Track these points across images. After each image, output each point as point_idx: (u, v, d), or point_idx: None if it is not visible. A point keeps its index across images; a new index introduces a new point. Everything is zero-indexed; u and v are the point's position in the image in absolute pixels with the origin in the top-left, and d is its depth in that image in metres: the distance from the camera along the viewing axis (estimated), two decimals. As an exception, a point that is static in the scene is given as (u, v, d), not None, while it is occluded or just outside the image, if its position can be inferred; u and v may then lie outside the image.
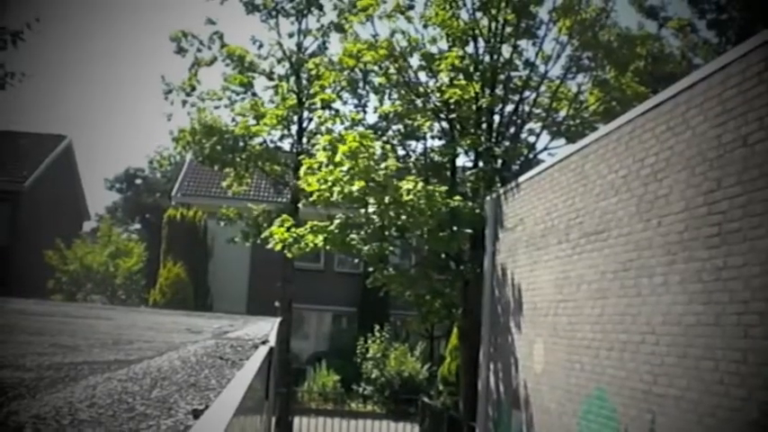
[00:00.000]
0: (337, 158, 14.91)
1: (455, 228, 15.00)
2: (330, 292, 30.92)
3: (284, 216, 17.58)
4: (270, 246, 16.91)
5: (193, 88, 21.54)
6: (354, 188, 14.68)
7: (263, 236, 18.01)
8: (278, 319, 11.82)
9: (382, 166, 14.93)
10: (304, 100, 21.11)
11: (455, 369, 20.21)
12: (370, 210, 14.99)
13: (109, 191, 61.60)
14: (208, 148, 20.67)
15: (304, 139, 21.48)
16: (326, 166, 15.36)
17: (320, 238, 15.43)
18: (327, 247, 16.40)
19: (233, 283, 30.04)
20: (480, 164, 17.01)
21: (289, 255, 17.11)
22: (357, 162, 14.60)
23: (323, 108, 20.51)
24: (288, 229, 16.25)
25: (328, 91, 20.43)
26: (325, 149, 15.75)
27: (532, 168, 13.54)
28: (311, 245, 15.71)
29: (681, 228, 7.42)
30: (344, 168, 14.71)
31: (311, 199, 15.96)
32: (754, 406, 6.07)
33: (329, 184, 15.07)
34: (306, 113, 21.48)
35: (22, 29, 17.43)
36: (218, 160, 21.14)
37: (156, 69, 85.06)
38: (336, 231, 15.37)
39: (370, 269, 16.88)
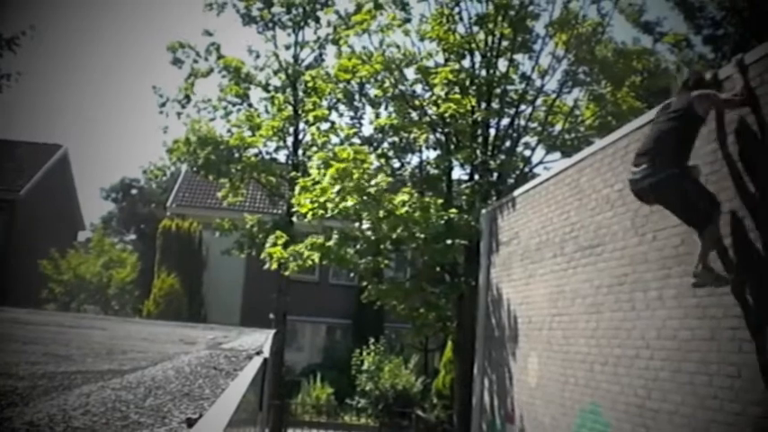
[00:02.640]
0: (326, 181, 14.90)
1: (450, 240, 15.00)
2: (325, 304, 30.86)
3: (278, 233, 17.59)
4: (267, 266, 16.92)
5: (189, 99, 21.58)
6: (348, 204, 14.69)
7: (261, 256, 17.91)
8: (272, 331, 11.78)
9: (373, 183, 14.91)
10: (300, 112, 21.12)
11: (449, 382, 20.19)
12: (365, 226, 14.98)
13: (104, 200, 61.57)
14: (202, 159, 20.66)
15: (299, 151, 21.47)
16: (319, 183, 15.33)
17: (317, 254, 15.43)
18: (324, 262, 16.41)
19: (227, 294, 29.96)
20: (476, 177, 17.03)
21: (285, 273, 17.12)
22: (351, 179, 14.60)
23: (317, 122, 20.49)
24: (285, 246, 16.23)
25: (324, 103, 20.43)
26: (318, 168, 15.78)
27: (528, 182, 13.56)
28: (309, 262, 15.72)
29: (676, 242, 7.42)
30: (335, 190, 14.70)
31: (306, 220, 15.93)
32: (748, 421, 6.07)
33: (322, 201, 15.05)
34: (301, 125, 21.50)
35: (18, 35, 17.52)
36: (213, 170, 21.13)
37: (153, 79, 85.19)
38: (334, 248, 15.35)
39: (365, 283, 16.88)
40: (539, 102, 18.28)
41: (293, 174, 19.58)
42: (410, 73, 17.89)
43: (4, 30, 17.74)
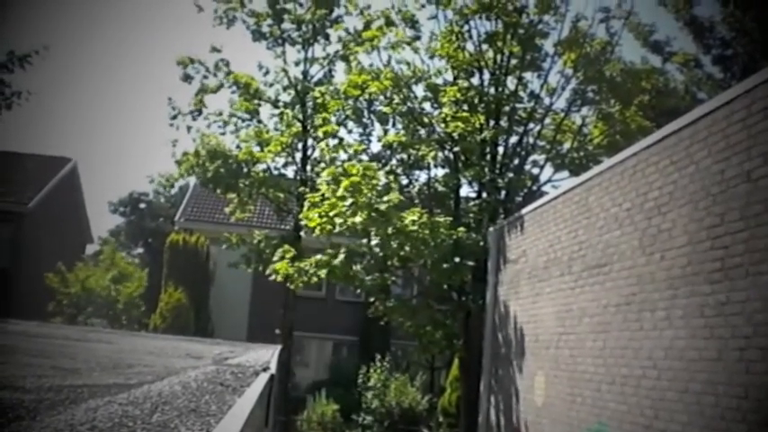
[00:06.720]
0: (339, 194, 14.85)
1: (458, 259, 14.95)
2: (331, 320, 30.78)
3: (285, 247, 17.50)
4: (273, 278, 16.84)
5: (200, 112, 21.61)
6: (357, 220, 14.64)
7: (267, 272, 17.74)
8: (278, 347, 11.78)
9: (385, 199, 14.87)
10: (309, 128, 21.13)
11: (455, 400, 20.08)
12: (373, 242, 14.93)
13: (113, 214, 61.65)
14: (211, 172, 20.66)
15: (308, 167, 21.47)
16: (328, 199, 15.28)
17: (324, 271, 15.35)
18: (332, 280, 16.33)
19: (234, 309, 29.93)
20: (484, 195, 17.01)
21: (291, 287, 17.04)
22: (361, 194, 14.57)
23: (326, 137, 20.48)
24: (291, 262, 16.17)
25: (333, 119, 20.44)
26: (327, 184, 15.74)
27: (536, 200, 13.53)
28: (314, 278, 15.66)
29: (684, 262, 7.40)
30: (347, 204, 14.64)
31: (314, 234, 15.90)
32: (756, 443, 6.03)
33: (331, 216, 14.99)
34: (310, 141, 21.50)
35: (30, 53, 17.64)
36: (221, 184, 21.13)
37: (163, 94, 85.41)
38: (339, 266, 15.27)
39: (372, 299, 16.83)
40: (547, 120, 18.27)
41: (301, 189, 19.59)
42: (419, 90, 17.93)
43: (18, 47, 17.86)
